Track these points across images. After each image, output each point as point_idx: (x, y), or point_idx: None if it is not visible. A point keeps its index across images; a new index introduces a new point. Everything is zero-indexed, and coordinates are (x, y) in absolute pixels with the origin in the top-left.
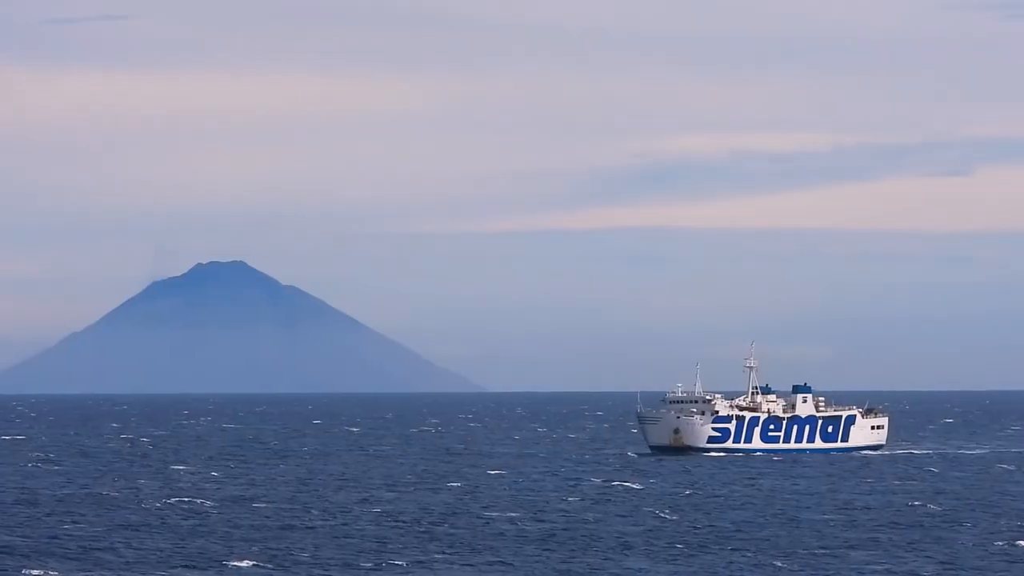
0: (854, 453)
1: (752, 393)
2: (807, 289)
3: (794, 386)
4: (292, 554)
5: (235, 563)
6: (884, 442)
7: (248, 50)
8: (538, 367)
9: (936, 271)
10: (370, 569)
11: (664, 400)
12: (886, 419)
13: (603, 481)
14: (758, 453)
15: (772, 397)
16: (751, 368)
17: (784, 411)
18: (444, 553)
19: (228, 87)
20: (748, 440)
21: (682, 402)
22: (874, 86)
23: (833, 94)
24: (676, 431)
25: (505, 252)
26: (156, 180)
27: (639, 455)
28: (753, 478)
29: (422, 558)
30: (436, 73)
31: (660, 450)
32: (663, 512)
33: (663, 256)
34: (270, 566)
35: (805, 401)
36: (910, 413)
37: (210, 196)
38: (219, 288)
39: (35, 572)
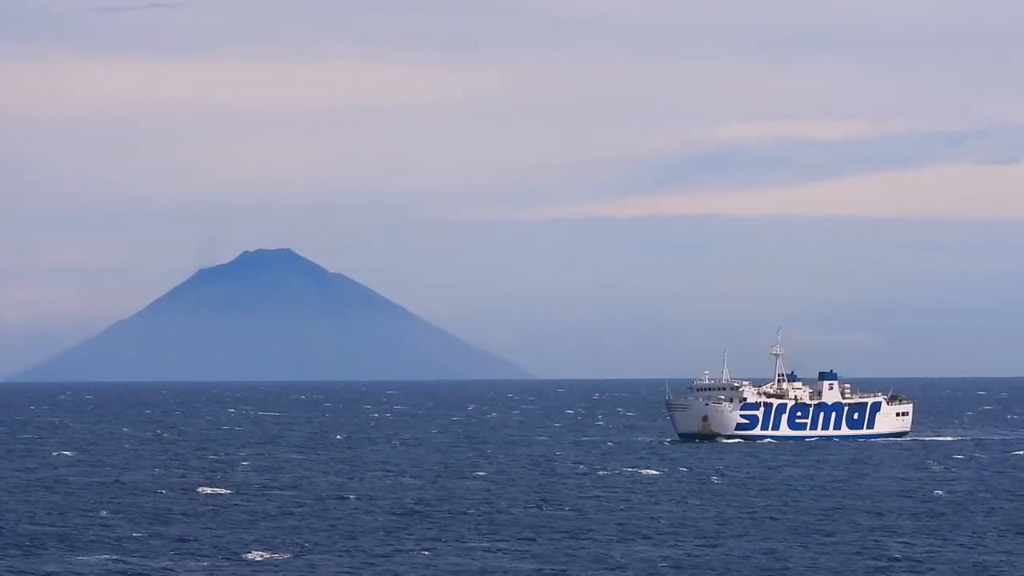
0: (879, 440)
1: (778, 380)
2: (857, 276)
3: (820, 373)
4: (314, 542)
5: (250, 553)
6: (908, 429)
7: (297, 39)
8: (586, 354)
9: (985, 258)
10: (389, 553)
11: (691, 387)
12: (910, 406)
13: (627, 468)
14: (787, 440)
15: (798, 384)
16: (777, 355)
17: (811, 398)
18: (460, 540)
19: (277, 76)
20: (776, 427)
21: (710, 389)
22: (924, 74)
23: (883, 82)
24: (704, 418)
25: (553, 240)
26: (204, 168)
27: (668, 442)
28: (777, 466)
29: (436, 542)
30: (483, 62)
31: (688, 437)
32: (687, 498)
33: (712, 244)
34: (287, 555)
35: (831, 388)
36: (949, 400)
37: (258, 184)
38: (266, 276)
39: (64, 559)
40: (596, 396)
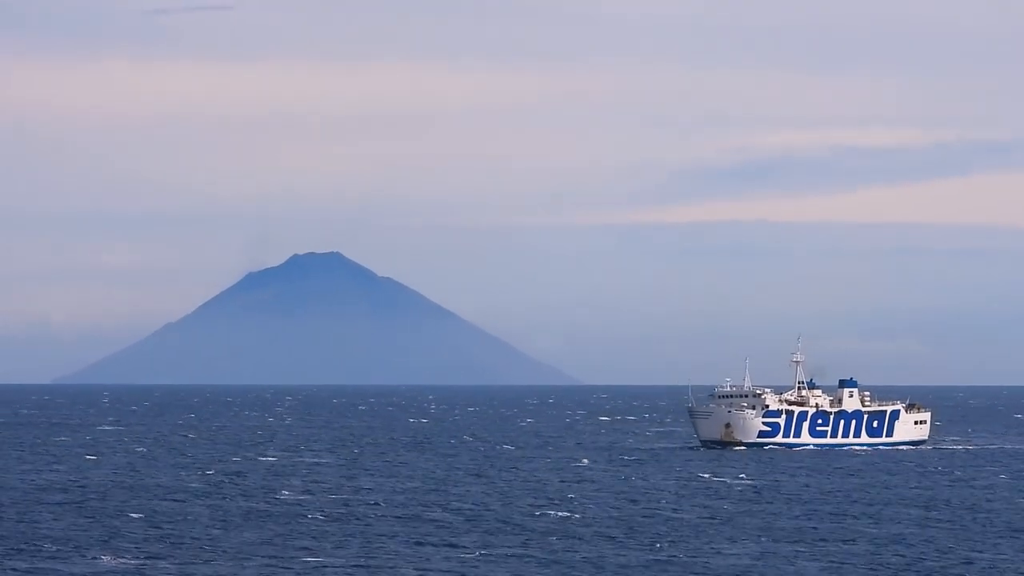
0: (898, 448)
1: (799, 388)
2: (905, 283)
3: (840, 380)
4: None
5: (257, 555)
6: (927, 437)
7: (348, 42)
8: (632, 360)
9: None
10: (394, 556)
11: (713, 395)
12: (928, 414)
13: (639, 474)
14: (807, 447)
15: (818, 392)
16: (797, 363)
17: (831, 406)
18: (455, 543)
19: (328, 79)
20: (797, 435)
21: (732, 396)
22: (973, 81)
23: (933, 90)
24: (727, 425)
25: (602, 245)
26: (254, 171)
27: (690, 449)
28: (795, 474)
29: (432, 546)
30: (533, 67)
31: (711, 444)
32: (708, 502)
33: (761, 250)
34: (287, 557)
35: (851, 396)
36: (983, 409)
37: (308, 187)
38: (315, 279)
39: (71, 561)
40: (635, 403)
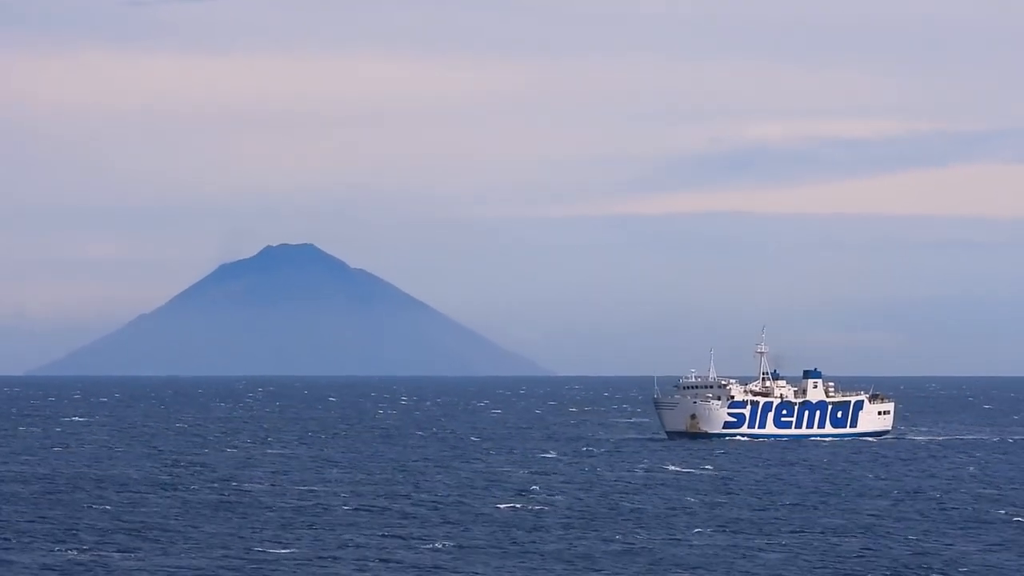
0: (862, 438)
1: (763, 378)
2: (880, 275)
3: (805, 371)
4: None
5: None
6: (890, 428)
7: (323, 35)
8: (606, 351)
9: (1009, 257)
10: (345, 545)
11: (678, 385)
12: (892, 405)
13: (602, 466)
14: (771, 439)
15: (782, 382)
16: (762, 353)
17: (795, 396)
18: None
19: (303, 72)
20: (762, 425)
21: (697, 387)
22: (949, 72)
23: (909, 81)
24: (693, 416)
25: (576, 237)
26: (227, 163)
27: (656, 440)
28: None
29: (393, 538)
30: (508, 59)
31: (676, 435)
32: (665, 494)
33: (737, 242)
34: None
35: (816, 386)
36: (953, 399)
37: (281, 179)
38: (288, 271)
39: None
40: (606, 394)
